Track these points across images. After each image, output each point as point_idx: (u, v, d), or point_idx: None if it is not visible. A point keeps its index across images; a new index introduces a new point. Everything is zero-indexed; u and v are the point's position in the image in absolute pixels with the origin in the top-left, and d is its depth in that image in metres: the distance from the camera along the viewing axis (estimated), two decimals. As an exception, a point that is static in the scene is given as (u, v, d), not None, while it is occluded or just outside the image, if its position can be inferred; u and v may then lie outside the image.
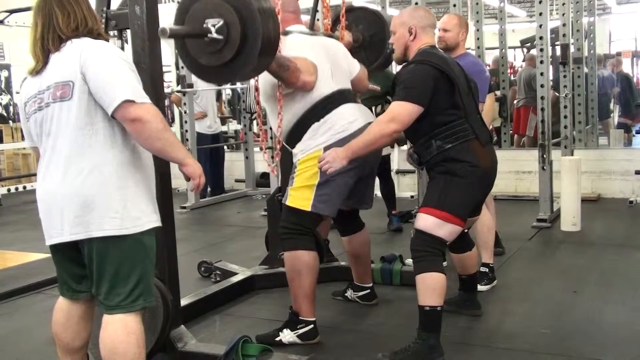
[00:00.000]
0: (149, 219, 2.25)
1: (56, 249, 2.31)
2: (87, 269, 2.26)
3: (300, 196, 3.08)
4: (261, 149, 3.27)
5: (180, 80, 7.00)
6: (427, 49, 2.98)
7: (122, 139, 2.20)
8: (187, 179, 2.32)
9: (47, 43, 2.20)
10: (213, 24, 2.56)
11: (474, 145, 2.92)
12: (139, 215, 2.21)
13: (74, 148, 2.16)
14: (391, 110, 2.85)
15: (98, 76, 2.12)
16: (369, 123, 3.10)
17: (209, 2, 2.61)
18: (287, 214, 3.15)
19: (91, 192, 2.15)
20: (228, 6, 2.57)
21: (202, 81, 3.01)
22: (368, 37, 3.79)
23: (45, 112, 2.20)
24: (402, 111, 2.82)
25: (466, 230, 3.26)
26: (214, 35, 2.56)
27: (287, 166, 3.55)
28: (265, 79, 3.11)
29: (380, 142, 2.89)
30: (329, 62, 3.17)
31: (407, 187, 7.09)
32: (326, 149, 3.00)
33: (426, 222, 2.87)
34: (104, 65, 2.13)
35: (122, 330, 2.22)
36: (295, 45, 3.11)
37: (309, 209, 3.06)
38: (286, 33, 3.17)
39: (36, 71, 2.23)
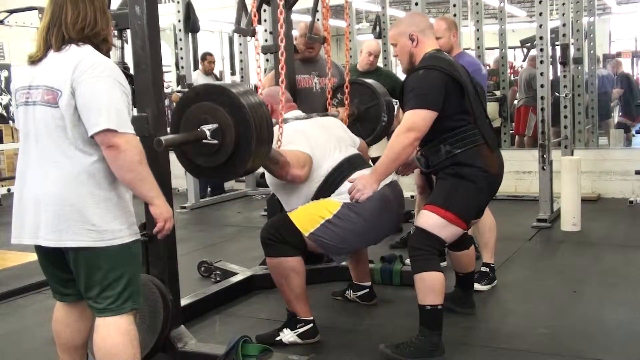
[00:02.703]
0: (129, 232, 2.22)
1: (40, 253, 2.29)
2: (74, 274, 2.24)
3: (306, 219, 3.03)
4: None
5: (180, 80, 7.00)
6: (433, 53, 2.97)
7: None
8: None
9: (50, 37, 2.16)
10: (208, 129, 2.60)
11: (483, 150, 2.92)
12: (120, 227, 2.18)
13: (57, 155, 2.13)
14: (407, 120, 2.83)
15: (87, 96, 2.08)
16: (388, 185, 3.13)
17: (203, 105, 2.64)
18: (279, 224, 3.09)
19: (69, 202, 2.12)
20: (222, 110, 2.60)
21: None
22: (363, 110, 3.87)
23: (31, 109, 2.17)
24: (418, 119, 2.81)
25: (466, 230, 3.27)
26: (209, 140, 2.60)
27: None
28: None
29: (404, 154, 2.85)
30: (329, 138, 3.21)
31: (407, 187, 7.06)
32: (345, 204, 2.98)
33: (429, 220, 2.88)
34: (95, 87, 2.08)
35: (114, 332, 2.21)
36: (289, 134, 3.13)
37: (306, 234, 3.02)
38: (283, 121, 3.21)
39: (33, 60, 2.19)
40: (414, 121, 2.81)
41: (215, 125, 2.60)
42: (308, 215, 3.04)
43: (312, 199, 3.12)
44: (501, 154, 3.09)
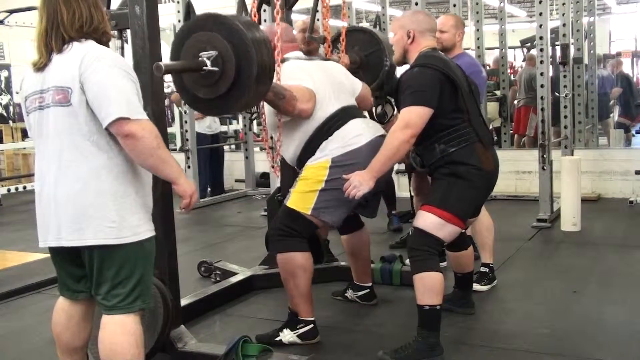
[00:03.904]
0: (147, 227, 2.25)
1: (55, 250, 2.30)
2: (87, 270, 2.25)
3: (302, 199, 3.06)
4: (262, 149, 3.28)
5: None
6: (428, 52, 3.00)
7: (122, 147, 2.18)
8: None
9: (50, 41, 2.17)
10: (208, 57, 2.56)
11: (477, 148, 2.94)
12: (138, 223, 2.21)
13: (74, 154, 2.15)
14: (403, 117, 2.85)
15: (95, 89, 2.09)
16: (380, 136, 3.10)
17: (203, 35, 2.61)
18: (282, 216, 3.13)
19: (89, 200, 2.14)
20: (222, 39, 2.57)
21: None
22: (365, 57, 3.83)
23: (46, 112, 2.19)
24: (414, 116, 2.83)
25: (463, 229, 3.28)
26: (209, 67, 2.56)
27: (287, 167, 3.55)
28: (269, 109, 3.12)
29: (401, 151, 2.87)
30: (329, 82, 3.19)
31: (407, 187, 7.05)
32: (334, 160, 3.00)
33: (427, 220, 2.88)
34: (103, 78, 2.10)
35: (120, 331, 2.22)
36: (293, 71, 3.12)
37: (308, 212, 3.04)
38: (284, 60, 3.21)
39: (38, 67, 2.21)
40: (410, 118, 2.83)
41: (214, 53, 2.56)
42: (303, 195, 3.06)
43: (308, 139, 3.10)
44: (495, 151, 3.11)
